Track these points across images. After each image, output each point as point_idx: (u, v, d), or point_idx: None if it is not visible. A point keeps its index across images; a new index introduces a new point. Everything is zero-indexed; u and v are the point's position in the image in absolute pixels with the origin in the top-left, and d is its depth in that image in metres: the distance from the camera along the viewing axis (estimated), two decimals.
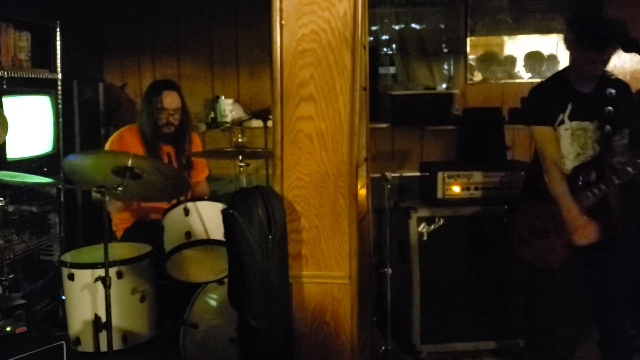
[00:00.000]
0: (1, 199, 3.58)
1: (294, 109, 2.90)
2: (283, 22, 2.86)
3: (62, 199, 4.55)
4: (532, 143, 4.31)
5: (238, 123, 5.42)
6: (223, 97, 5.59)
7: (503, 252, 3.91)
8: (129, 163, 3.15)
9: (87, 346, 3.32)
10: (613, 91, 3.27)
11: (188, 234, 3.50)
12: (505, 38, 5.82)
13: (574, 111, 3.33)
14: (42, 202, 4.41)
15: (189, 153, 4.23)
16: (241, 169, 3.84)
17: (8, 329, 2.85)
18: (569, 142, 3.37)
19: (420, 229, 4.06)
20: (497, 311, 4.15)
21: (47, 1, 4.66)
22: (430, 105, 5.42)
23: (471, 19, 5.75)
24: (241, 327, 2.84)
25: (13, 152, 3.92)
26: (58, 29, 4.50)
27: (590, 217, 3.25)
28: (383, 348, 3.95)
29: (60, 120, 4.54)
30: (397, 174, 4.61)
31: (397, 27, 5.90)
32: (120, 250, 3.57)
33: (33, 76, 4.30)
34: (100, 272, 3.15)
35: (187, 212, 3.53)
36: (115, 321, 3.19)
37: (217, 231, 3.39)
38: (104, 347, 3.22)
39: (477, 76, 5.82)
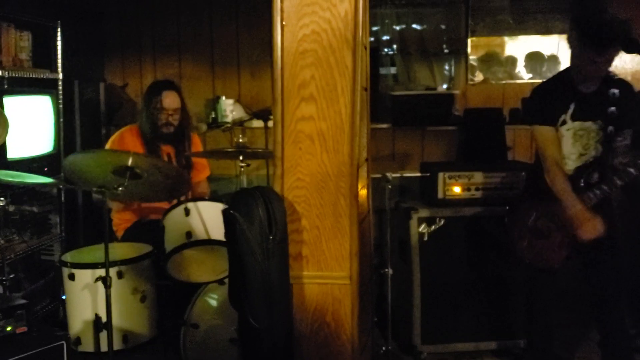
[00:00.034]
0: (2, 198, 3.58)
1: (295, 110, 2.90)
2: (284, 23, 2.86)
3: (62, 199, 4.55)
4: (532, 143, 4.31)
5: (239, 123, 5.42)
6: (224, 97, 5.59)
7: (504, 253, 3.91)
8: (129, 163, 3.15)
9: (87, 346, 3.32)
10: (616, 91, 3.26)
11: (189, 234, 3.50)
12: (506, 38, 5.82)
13: (576, 111, 3.32)
14: (42, 202, 4.41)
15: (190, 153, 4.23)
16: (242, 169, 3.84)
17: (9, 328, 2.85)
18: (571, 143, 3.36)
19: (420, 229, 4.06)
20: (497, 311, 4.14)
21: (48, 1, 4.66)
22: (431, 105, 5.42)
23: (472, 19, 5.75)
24: (242, 327, 2.84)
25: (14, 152, 3.92)
26: (59, 29, 4.50)
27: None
28: (384, 348, 3.95)
29: (61, 120, 4.53)
30: (397, 175, 4.60)
31: (398, 28, 5.90)
32: (120, 250, 3.57)
33: (34, 76, 4.30)
34: (101, 272, 3.15)
35: (187, 212, 3.53)
36: (115, 321, 3.19)
37: (217, 231, 3.39)
38: (104, 347, 3.21)
39: (479, 76, 5.82)
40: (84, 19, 5.33)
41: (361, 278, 3.03)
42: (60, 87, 4.55)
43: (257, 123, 5.43)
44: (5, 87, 3.99)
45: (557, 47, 5.74)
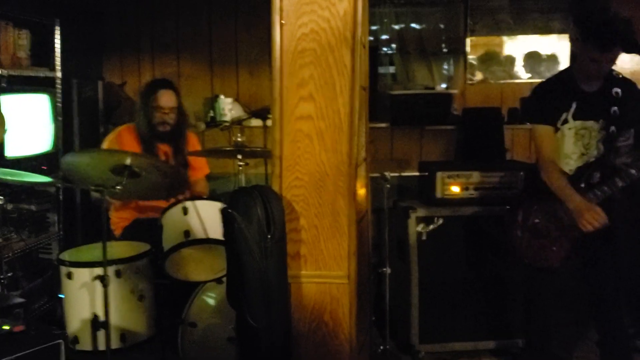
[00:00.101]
0: (0, 197, 3.57)
1: (294, 109, 2.90)
2: (283, 22, 2.86)
3: (60, 197, 4.55)
4: (531, 143, 4.31)
5: (237, 122, 5.42)
6: (222, 96, 5.59)
7: (502, 252, 3.91)
8: (128, 162, 3.14)
9: (85, 345, 3.31)
10: (619, 91, 3.25)
11: (187, 233, 3.50)
12: (505, 38, 5.82)
13: (578, 110, 3.31)
14: (41, 200, 4.40)
15: (188, 152, 4.23)
16: (240, 168, 3.84)
17: (6, 327, 2.85)
18: (572, 142, 3.35)
19: (419, 228, 4.06)
20: (495, 311, 4.14)
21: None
22: (430, 105, 5.42)
23: (471, 19, 5.75)
24: (240, 326, 2.84)
25: (12, 150, 3.92)
26: (57, 28, 4.50)
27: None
28: (381, 348, 3.95)
29: (60, 118, 4.53)
30: (396, 174, 4.60)
31: (396, 27, 5.90)
32: (118, 249, 3.56)
33: (32, 74, 4.29)
34: (99, 270, 3.15)
35: (185, 211, 3.53)
36: (113, 320, 3.19)
37: (215, 230, 3.39)
38: (102, 346, 3.21)
39: (478, 76, 5.82)
40: (83, 17, 5.32)
41: (359, 277, 3.03)
42: (59, 86, 4.55)
43: (256, 122, 5.43)
44: (4, 85, 3.98)
45: (556, 46, 5.75)
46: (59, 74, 4.54)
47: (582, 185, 3.29)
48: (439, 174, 4.17)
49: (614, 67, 3.28)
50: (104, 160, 3.23)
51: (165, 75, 5.36)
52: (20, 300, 2.95)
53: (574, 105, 3.31)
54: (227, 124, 5.33)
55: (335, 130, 2.88)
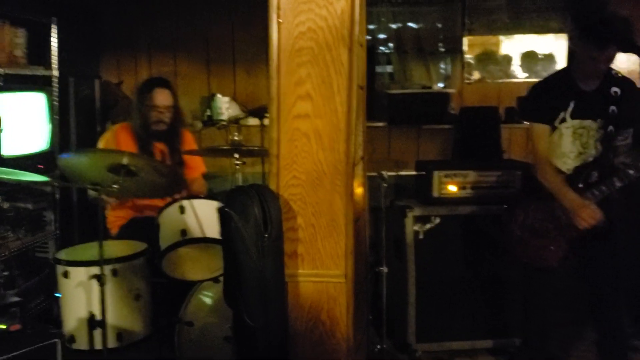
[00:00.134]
0: None
1: (291, 107, 2.89)
2: (280, 20, 2.85)
3: (57, 196, 4.54)
4: (529, 143, 4.30)
5: (234, 121, 5.42)
6: (219, 95, 5.59)
7: (499, 251, 3.91)
8: (125, 161, 3.14)
9: (81, 344, 3.30)
10: (618, 90, 3.24)
11: (184, 232, 3.49)
12: (502, 37, 5.82)
13: (576, 109, 3.30)
14: (37, 199, 4.39)
15: (185, 151, 4.22)
16: (237, 167, 3.83)
17: (2, 326, 2.84)
18: (570, 141, 3.34)
19: (416, 227, 4.06)
20: (492, 310, 4.15)
21: None
22: (427, 104, 5.43)
23: (468, 18, 5.76)
24: (237, 325, 2.83)
25: (8, 149, 3.91)
26: (54, 26, 4.49)
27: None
28: (378, 347, 3.95)
29: (56, 117, 4.52)
30: (393, 173, 4.60)
31: (394, 26, 5.90)
32: (115, 248, 3.56)
33: (29, 73, 4.28)
34: (95, 269, 3.14)
35: (182, 210, 3.52)
36: (110, 319, 3.18)
37: (212, 229, 3.38)
38: (98, 345, 3.20)
39: (475, 75, 5.83)
40: (80, 15, 5.31)
41: (356, 276, 3.03)
42: (56, 84, 4.54)
43: (253, 121, 5.43)
44: (0, 84, 3.97)
45: (553, 46, 5.75)
46: (55, 73, 4.53)
47: (580, 185, 3.29)
48: (436, 173, 4.17)
49: (613, 67, 3.27)
50: (101, 159, 3.23)
51: (162, 74, 5.35)
52: (16, 299, 2.94)
53: (572, 104, 3.30)
54: (224, 122, 5.33)
55: (333, 129, 2.88)
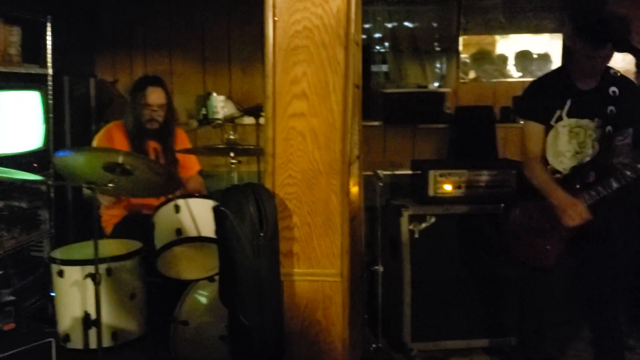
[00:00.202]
0: None
1: (287, 106, 2.89)
2: (276, 19, 2.85)
3: (52, 195, 4.52)
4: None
5: (230, 120, 5.41)
6: (215, 94, 5.58)
7: (494, 251, 3.91)
8: (120, 160, 3.13)
9: (76, 343, 3.30)
10: (616, 90, 3.22)
11: (179, 231, 3.49)
12: (498, 37, 5.83)
13: (572, 108, 3.28)
14: (32, 197, 4.38)
15: (181, 150, 4.22)
16: (233, 165, 3.83)
17: None
18: (566, 140, 3.32)
19: (411, 227, 4.06)
20: (488, 309, 4.15)
21: None
22: (423, 103, 5.43)
23: (464, 17, 5.76)
24: (232, 324, 2.83)
25: (2, 147, 3.89)
26: (49, 24, 4.47)
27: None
28: (374, 346, 3.95)
29: (51, 115, 4.50)
30: (389, 172, 4.60)
31: (389, 25, 5.90)
32: (110, 247, 3.55)
33: (23, 71, 4.26)
34: (90, 268, 3.14)
35: (177, 209, 3.52)
36: (105, 318, 3.18)
37: (208, 228, 3.38)
38: (93, 344, 3.20)
39: (471, 74, 5.83)
40: (75, 14, 5.29)
41: (352, 275, 3.02)
42: (50, 83, 4.52)
43: (248, 120, 5.42)
44: None
45: (548, 45, 5.76)
46: (50, 71, 4.51)
47: (577, 185, 3.27)
48: (432, 173, 4.17)
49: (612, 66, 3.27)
50: (97, 157, 3.22)
51: (157, 72, 5.33)
52: (11, 298, 2.93)
53: (568, 103, 3.28)
54: (219, 121, 5.32)
55: (329, 128, 2.88)
